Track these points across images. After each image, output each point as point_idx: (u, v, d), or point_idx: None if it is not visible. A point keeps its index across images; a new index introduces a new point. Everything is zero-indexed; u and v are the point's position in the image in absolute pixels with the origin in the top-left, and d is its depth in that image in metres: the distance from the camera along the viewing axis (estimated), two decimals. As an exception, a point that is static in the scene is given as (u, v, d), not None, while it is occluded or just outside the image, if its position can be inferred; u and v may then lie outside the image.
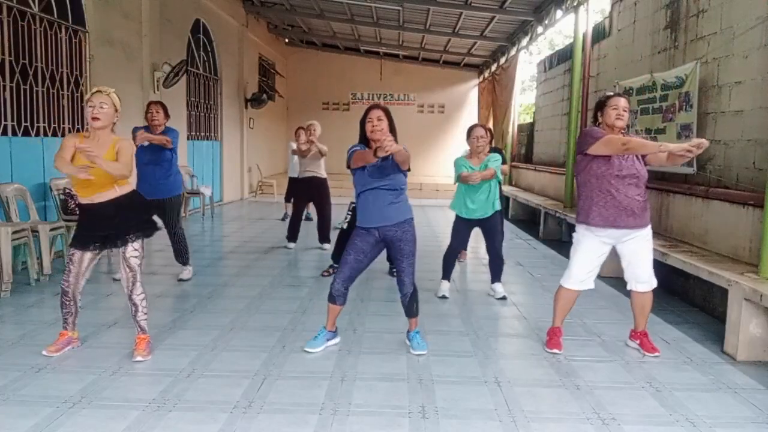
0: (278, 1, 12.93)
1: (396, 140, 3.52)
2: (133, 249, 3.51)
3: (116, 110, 3.44)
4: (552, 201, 9.96)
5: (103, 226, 3.46)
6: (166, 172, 5.23)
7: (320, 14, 13.31)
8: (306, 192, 7.20)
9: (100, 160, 3.25)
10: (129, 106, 7.68)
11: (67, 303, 3.54)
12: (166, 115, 5.27)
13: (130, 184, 3.59)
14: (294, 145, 8.97)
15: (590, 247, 3.73)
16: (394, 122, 3.56)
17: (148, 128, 5.26)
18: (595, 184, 3.63)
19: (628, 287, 3.86)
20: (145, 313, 3.59)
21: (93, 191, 3.41)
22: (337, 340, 3.86)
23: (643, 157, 3.62)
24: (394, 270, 4.46)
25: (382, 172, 3.49)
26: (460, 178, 4.87)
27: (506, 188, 12.67)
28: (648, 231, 3.73)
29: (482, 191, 4.92)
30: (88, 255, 3.51)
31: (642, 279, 3.76)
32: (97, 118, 3.35)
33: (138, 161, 5.19)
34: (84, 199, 3.46)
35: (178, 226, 5.40)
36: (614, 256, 3.85)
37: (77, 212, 3.63)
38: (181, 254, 5.49)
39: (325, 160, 7.14)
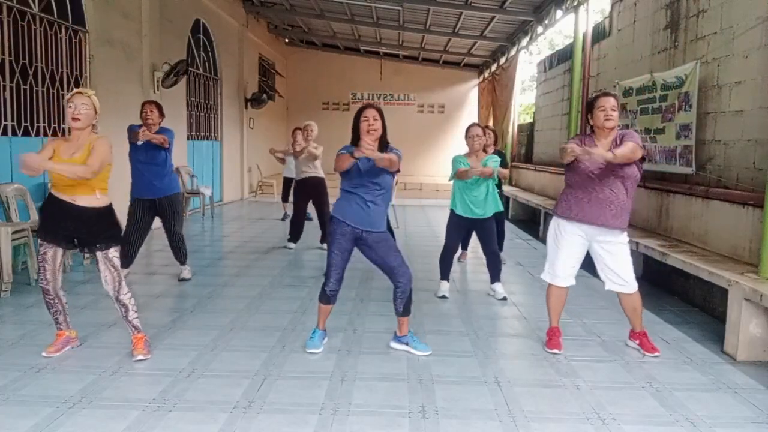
0: (278, 1, 12.93)
1: (387, 140, 3.59)
2: (114, 250, 3.51)
3: (96, 111, 3.45)
4: (552, 201, 9.96)
5: (77, 228, 3.42)
6: (160, 172, 5.21)
7: (320, 14, 13.31)
8: (304, 192, 7.20)
9: (56, 167, 3.22)
10: (129, 106, 7.69)
11: (52, 302, 3.52)
12: (161, 115, 5.26)
13: (108, 195, 3.55)
14: (296, 140, 8.91)
15: (571, 243, 3.76)
16: (385, 123, 3.59)
17: (142, 127, 5.25)
18: (578, 181, 3.66)
19: (606, 287, 3.85)
20: (136, 311, 3.59)
21: (74, 191, 3.38)
22: (327, 338, 3.88)
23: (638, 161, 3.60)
24: None
25: (371, 173, 3.52)
26: (457, 174, 4.86)
27: (506, 188, 12.67)
28: (624, 237, 3.72)
29: (479, 191, 4.90)
30: (60, 251, 3.49)
31: (619, 281, 3.76)
32: (78, 119, 3.36)
33: (132, 160, 5.21)
34: (64, 196, 3.40)
35: (178, 225, 5.39)
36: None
37: (49, 204, 3.53)
38: (180, 254, 5.49)
39: (321, 160, 7.12)
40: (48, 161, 3.25)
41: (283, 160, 9.38)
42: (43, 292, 3.51)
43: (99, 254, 3.48)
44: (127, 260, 5.37)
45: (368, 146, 3.23)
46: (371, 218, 3.58)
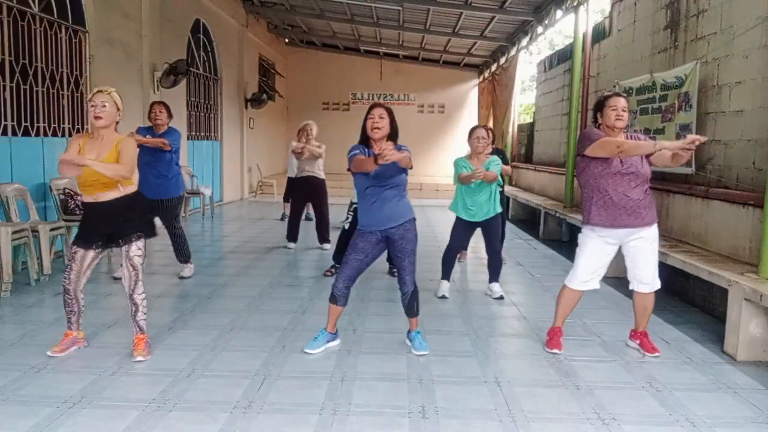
0: (278, 1, 12.93)
1: (397, 140, 3.55)
2: (136, 248, 3.52)
3: (118, 109, 3.47)
4: (552, 201, 9.97)
5: (106, 224, 3.47)
6: (164, 173, 5.26)
7: (320, 14, 13.30)
8: (303, 192, 7.19)
9: (95, 165, 3.28)
10: (129, 106, 7.67)
11: (69, 301, 3.55)
12: (170, 115, 5.35)
13: (134, 185, 3.59)
14: (294, 144, 8.89)
15: (594, 249, 3.72)
16: (396, 122, 3.56)
17: (151, 128, 5.31)
18: (594, 184, 3.62)
19: (631, 287, 3.84)
20: (145, 313, 3.59)
21: (96, 190, 3.43)
22: (337, 342, 3.84)
23: (648, 156, 3.59)
24: (395, 270, 4.46)
25: (386, 175, 3.49)
26: (459, 179, 4.87)
27: (506, 188, 12.66)
28: (654, 231, 3.70)
29: (483, 193, 4.90)
30: (90, 254, 3.52)
31: (644, 280, 3.73)
32: (100, 117, 3.39)
33: (138, 161, 5.22)
34: (88, 198, 3.47)
35: (177, 225, 5.45)
36: (618, 255, 3.83)
37: (78, 212, 3.61)
38: (182, 253, 5.54)
39: (324, 160, 7.11)
40: (88, 159, 3.30)
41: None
42: (63, 290, 3.54)
43: (123, 249, 3.50)
44: None
45: (389, 152, 3.11)
46: (391, 213, 3.56)
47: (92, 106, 3.38)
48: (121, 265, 3.58)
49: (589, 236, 3.72)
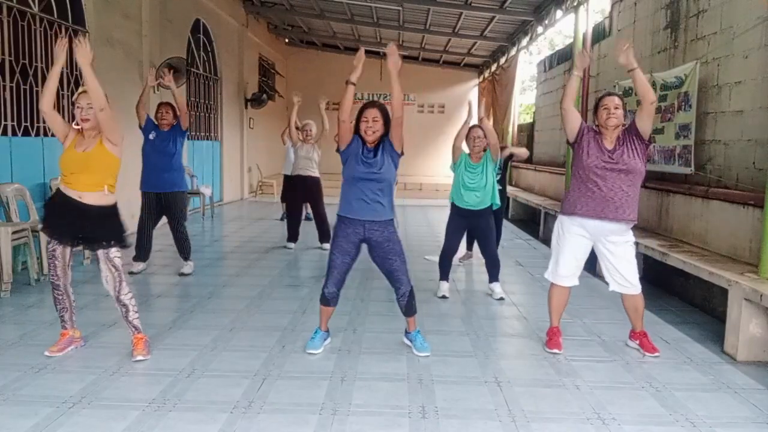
0: (278, 1, 12.93)
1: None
2: (116, 250, 3.50)
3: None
4: (552, 201, 9.97)
5: (81, 226, 3.41)
6: (169, 165, 5.41)
7: (320, 14, 13.31)
8: (300, 191, 7.20)
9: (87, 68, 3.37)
10: (129, 105, 7.66)
11: (60, 298, 3.53)
12: (175, 116, 5.51)
13: (115, 195, 3.53)
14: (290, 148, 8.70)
15: (574, 242, 3.75)
16: (390, 122, 3.58)
17: (156, 126, 5.49)
18: (582, 175, 3.66)
19: (611, 288, 3.83)
20: (136, 312, 3.58)
21: (83, 187, 3.38)
22: (330, 339, 3.86)
23: (644, 149, 3.61)
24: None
25: (376, 164, 3.50)
26: (457, 137, 4.98)
27: (507, 188, 12.64)
28: (630, 236, 3.72)
29: (479, 177, 4.87)
30: (68, 248, 3.50)
31: (625, 284, 3.74)
32: (87, 119, 3.37)
33: (144, 151, 5.43)
34: (70, 192, 3.39)
35: (181, 222, 5.55)
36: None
37: (55, 200, 3.51)
38: (183, 249, 5.61)
39: (320, 160, 7.16)
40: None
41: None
42: (52, 287, 3.52)
43: (100, 253, 3.48)
44: (143, 252, 5.53)
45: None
46: (375, 210, 3.54)
47: (78, 108, 3.35)
48: (100, 269, 3.51)
49: (569, 231, 3.75)
